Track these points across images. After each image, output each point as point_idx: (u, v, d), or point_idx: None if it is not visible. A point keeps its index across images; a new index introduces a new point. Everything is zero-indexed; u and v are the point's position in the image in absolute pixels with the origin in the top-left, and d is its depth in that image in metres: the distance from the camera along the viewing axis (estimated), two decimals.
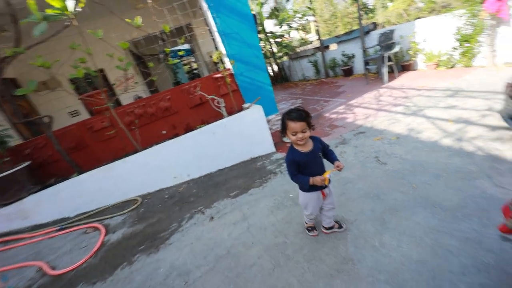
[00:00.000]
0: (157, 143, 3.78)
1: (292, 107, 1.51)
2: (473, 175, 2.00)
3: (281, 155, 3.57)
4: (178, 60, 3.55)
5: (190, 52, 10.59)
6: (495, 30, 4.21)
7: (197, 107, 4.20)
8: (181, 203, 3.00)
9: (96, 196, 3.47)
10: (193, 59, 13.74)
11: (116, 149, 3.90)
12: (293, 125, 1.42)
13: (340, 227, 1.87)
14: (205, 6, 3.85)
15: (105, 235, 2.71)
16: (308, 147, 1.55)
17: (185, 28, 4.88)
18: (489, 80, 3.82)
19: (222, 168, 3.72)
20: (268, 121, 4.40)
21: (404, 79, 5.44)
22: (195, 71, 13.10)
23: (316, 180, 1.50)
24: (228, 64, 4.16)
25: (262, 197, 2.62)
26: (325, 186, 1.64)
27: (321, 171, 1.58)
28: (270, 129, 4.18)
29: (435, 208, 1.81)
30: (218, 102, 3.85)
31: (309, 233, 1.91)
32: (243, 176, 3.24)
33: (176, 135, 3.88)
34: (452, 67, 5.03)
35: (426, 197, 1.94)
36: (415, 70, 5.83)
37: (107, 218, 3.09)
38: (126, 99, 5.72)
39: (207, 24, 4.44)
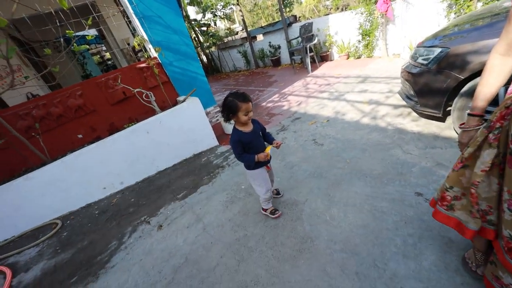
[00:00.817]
0: (73, 150, 3.09)
1: (230, 92, 1.62)
2: (388, 146, 2.44)
3: (226, 147, 3.50)
4: (86, 47, 2.89)
5: (99, 40, 8.93)
6: (385, 27, 5.18)
7: (121, 103, 3.61)
8: (117, 216, 2.57)
9: None
10: (103, 48, 11.68)
11: (11, 164, 2.98)
12: (246, 106, 1.56)
13: (278, 193, 2.19)
14: None
15: (12, 277, 2.07)
16: (250, 127, 1.71)
17: (90, 7, 4.03)
18: (386, 68, 4.71)
19: (162, 169, 3.36)
20: (207, 113, 4.21)
21: (324, 68, 6.12)
22: (108, 62, 11.22)
23: (260, 156, 1.67)
24: (153, 52, 3.70)
25: (213, 193, 2.51)
26: (268, 161, 1.85)
27: (262, 149, 1.76)
28: (210, 122, 4.01)
29: (367, 178, 2.13)
30: (147, 96, 3.40)
31: (273, 216, 1.96)
32: (188, 175, 3.02)
33: (98, 138, 3.26)
34: (359, 58, 5.96)
35: (359, 169, 2.26)
36: (331, 60, 6.64)
37: (13, 255, 2.36)
38: (13, 99, 4.40)
39: (118, 3, 3.78)
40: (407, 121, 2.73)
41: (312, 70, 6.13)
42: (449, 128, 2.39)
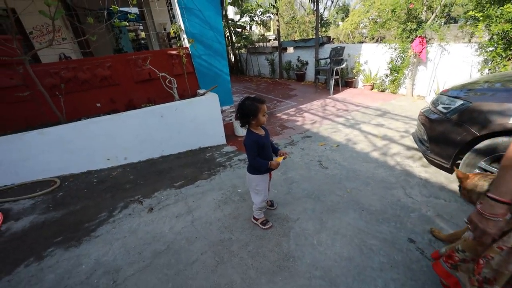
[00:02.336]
0: (88, 117, 3.20)
1: (245, 97, 1.66)
2: (392, 185, 2.40)
3: (232, 148, 3.53)
4: (126, 24, 3.02)
5: (138, 19, 9.28)
6: (415, 68, 5.16)
7: (144, 83, 3.73)
8: (114, 189, 2.63)
9: None
10: (140, 27, 12.12)
11: (29, 116, 3.11)
12: (265, 107, 1.63)
13: (272, 205, 2.20)
14: None
15: (2, 222, 2.15)
16: (263, 131, 1.74)
17: None
18: (408, 108, 4.66)
19: (166, 155, 3.43)
20: (222, 111, 4.28)
21: (346, 94, 6.12)
22: (142, 41, 11.61)
23: (273, 164, 1.69)
24: (186, 42, 3.83)
25: (209, 190, 2.54)
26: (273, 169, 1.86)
27: (271, 155, 1.80)
28: (223, 120, 4.07)
29: (363, 212, 2.10)
30: (170, 82, 3.50)
31: (264, 226, 1.96)
32: (190, 166, 3.06)
33: (115, 111, 3.36)
34: (383, 91, 5.93)
35: (357, 201, 2.23)
36: (355, 87, 6.63)
37: (8, 202, 2.45)
38: (46, 56, 4.62)
39: None
40: (417, 165, 2.68)
41: (334, 93, 6.14)
42: (457, 182, 2.33)
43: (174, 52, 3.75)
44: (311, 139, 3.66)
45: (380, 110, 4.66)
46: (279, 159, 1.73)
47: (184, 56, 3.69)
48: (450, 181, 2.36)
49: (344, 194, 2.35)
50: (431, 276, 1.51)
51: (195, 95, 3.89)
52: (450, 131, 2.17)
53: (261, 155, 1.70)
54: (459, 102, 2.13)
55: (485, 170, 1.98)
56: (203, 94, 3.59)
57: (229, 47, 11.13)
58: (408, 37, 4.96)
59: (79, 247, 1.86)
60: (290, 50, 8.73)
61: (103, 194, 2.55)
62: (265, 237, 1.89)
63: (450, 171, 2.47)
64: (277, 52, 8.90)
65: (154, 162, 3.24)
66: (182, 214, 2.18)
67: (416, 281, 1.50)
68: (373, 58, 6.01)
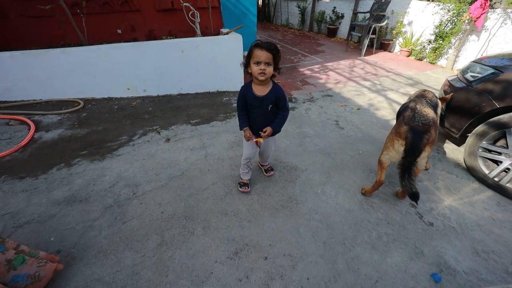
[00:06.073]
0: (109, 42, 3.14)
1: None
2: None
3: None
4: None
5: None
6: (466, 36, 4.55)
7: (166, 13, 3.52)
8: (133, 117, 2.74)
9: (24, 85, 2.84)
10: None
11: (51, 35, 3.09)
12: (259, 53, 1.25)
13: (267, 170, 2.00)
14: None
15: (35, 131, 2.33)
16: (262, 91, 1.42)
17: None
18: (443, 81, 4.28)
19: (184, 93, 3.43)
20: (244, 56, 4.08)
21: (379, 57, 5.62)
22: None
23: (246, 133, 1.49)
24: None
25: (223, 131, 2.60)
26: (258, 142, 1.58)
27: (265, 123, 1.48)
28: None
29: (371, 173, 2.14)
30: (193, 15, 3.28)
31: (240, 188, 1.82)
32: (206, 107, 3.08)
33: (135, 40, 3.28)
34: (420, 60, 5.40)
35: (367, 163, 2.25)
36: (390, 51, 6.04)
37: (39, 114, 2.62)
38: None
39: None
40: (437, 139, 2.59)
41: (366, 55, 5.65)
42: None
43: None
44: (332, 98, 3.53)
45: (412, 79, 4.32)
46: (258, 139, 1.50)
47: None
48: None
49: (356, 155, 2.36)
50: (423, 236, 1.60)
51: (218, 34, 3.67)
52: (470, 100, 2.03)
53: (250, 112, 1.49)
54: (489, 71, 1.95)
55: (489, 151, 1.95)
56: (227, 33, 3.38)
57: None
58: None
59: (102, 162, 2.04)
60: None
61: (123, 120, 2.67)
62: (272, 180, 1.99)
63: (458, 142, 2.39)
64: (311, 0, 7.97)
65: (171, 98, 3.27)
66: (196, 148, 2.28)
67: (408, 238, 1.60)
68: (419, 19, 5.30)
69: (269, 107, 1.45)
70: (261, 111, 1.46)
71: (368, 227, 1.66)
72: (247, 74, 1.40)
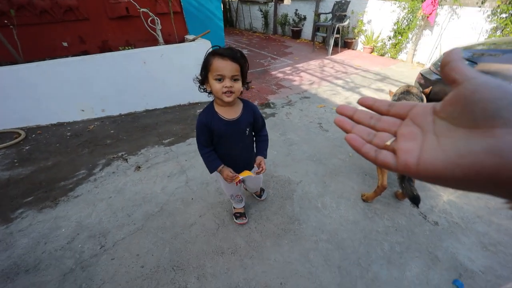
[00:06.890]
0: (53, 58, 2.66)
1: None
2: None
3: None
4: None
5: None
6: (421, 31, 4.85)
7: (121, 21, 3.12)
8: (91, 145, 2.31)
9: None
10: None
11: None
12: (221, 64, 0.89)
13: (260, 196, 1.74)
14: None
15: None
16: (233, 113, 1.06)
17: None
18: (407, 74, 4.50)
19: (151, 109, 3.05)
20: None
21: (345, 55, 5.76)
22: None
23: (225, 173, 1.11)
24: None
25: None
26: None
27: (244, 154, 1.18)
28: None
29: (366, 176, 2.04)
30: (153, 22, 2.94)
31: (236, 221, 1.55)
32: (179, 122, 2.76)
33: (85, 53, 2.83)
34: (382, 55, 5.65)
35: (360, 166, 2.15)
36: (354, 49, 6.25)
37: None
38: None
39: None
40: None
41: (333, 54, 5.75)
42: None
43: None
44: (310, 100, 3.44)
45: (379, 74, 4.46)
46: (244, 173, 1.14)
47: None
48: None
49: (346, 158, 2.25)
50: (433, 239, 1.52)
51: (183, 41, 3.37)
52: (446, 92, 2.06)
53: (218, 147, 1.13)
54: None
55: None
56: (193, 40, 3.10)
57: None
58: None
59: (55, 209, 1.63)
60: (288, 1, 7.85)
61: (79, 150, 2.23)
62: (268, 200, 1.77)
63: None
64: (273, 3, 7.98)
65: (137, 116, 2.88)
66: (174, 173, 1.97)
67: (420, 244, 1.50)
68: (377, 18, 5.55)
69: (247, 131, 1.12)
70: (237, 139, 1.12)
71: (379, 238, 1.53)
72: (205, 93, 1.03)
